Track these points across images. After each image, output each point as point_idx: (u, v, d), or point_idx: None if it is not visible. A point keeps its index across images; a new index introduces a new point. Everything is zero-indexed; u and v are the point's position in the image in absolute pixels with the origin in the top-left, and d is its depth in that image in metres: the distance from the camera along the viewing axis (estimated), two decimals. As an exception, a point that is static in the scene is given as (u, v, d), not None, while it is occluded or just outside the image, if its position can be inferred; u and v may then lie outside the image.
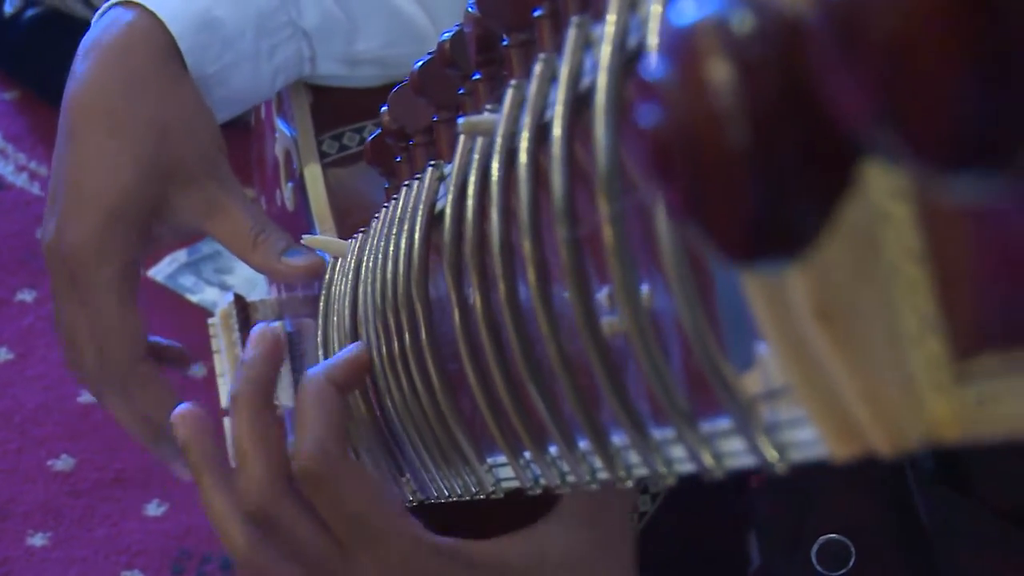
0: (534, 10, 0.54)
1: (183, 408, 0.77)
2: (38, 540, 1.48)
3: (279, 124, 1.13)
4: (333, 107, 1.08)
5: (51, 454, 1.56)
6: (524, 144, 0.46)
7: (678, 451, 0.41)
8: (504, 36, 0.57)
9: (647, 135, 0.24)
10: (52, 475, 1.54)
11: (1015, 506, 0.72)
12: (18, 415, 1.60)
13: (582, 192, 0.43)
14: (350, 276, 0.79)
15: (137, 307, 0.97)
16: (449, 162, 0.63)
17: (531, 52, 0.57)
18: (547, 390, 0.49)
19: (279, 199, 1.14)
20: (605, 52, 0.39)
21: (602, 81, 0.39)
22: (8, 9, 2.03)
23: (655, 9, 0.35)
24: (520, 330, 0.49)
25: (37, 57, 1.98)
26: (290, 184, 1.10)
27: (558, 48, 0.52)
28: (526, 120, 0.46)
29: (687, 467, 0.40)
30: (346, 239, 0.86)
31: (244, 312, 1.12)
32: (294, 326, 1.12)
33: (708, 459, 0.38)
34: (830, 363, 0.29)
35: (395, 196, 0.70)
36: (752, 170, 0.23)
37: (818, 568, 0.81)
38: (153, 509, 1.53)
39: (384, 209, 0.72)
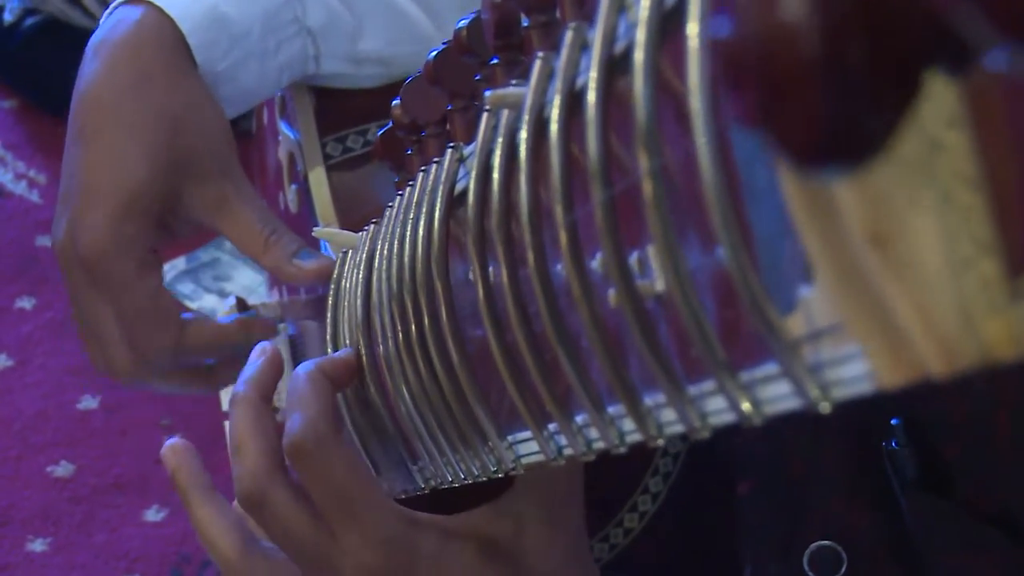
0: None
1: (171, 442, 0.84)
2: (38, 546, 1.48)
3: (282, 127, 1.13)
4: (336, 110, 1.08)
5: (50, 460, 1.56)
6: (555, 111, 0.47)
7: (714, 404, 0.41)
8: (525, 18, 0.58)
9: (720, 45, 0.25)
10: (52, 481, 1.54)
11: (998, 509, 0.73)
12: (18, 422, 1.60)
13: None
14: (362, 267, 0.79)
15: (166, 293, 0.97)
16: (468, 143, 0.64)
17: (552, 32, 0.58)
18: (577, 356, 0.49)
19: (282, 202, 1.15)
20: (644, 7, 0.40)
21: (640, 37, 0.40)
22: (8, 18, 2.03)
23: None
24: (549, 297, 0.49)
25: (36, 66, 1.98)
26: (294, 187, 1.11)
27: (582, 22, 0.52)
28: (557, 86, 0.47)
29: (724, 418, 0.41)
30: (356, 232, 0.86)
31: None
32: (296, 329, 1.13)
33: (747, 406, 0.39)
34: (884, 288, 0.29)
35: (411, 183, 0.71)
36: (823, 78, 0.23)
37: (810, 575, 0.81)
38: (152, 515, 1.53)
39: (398, 197, 0.73)
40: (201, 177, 0.96)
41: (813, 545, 0.81)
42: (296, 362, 1.13)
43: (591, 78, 0.43)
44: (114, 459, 1.56)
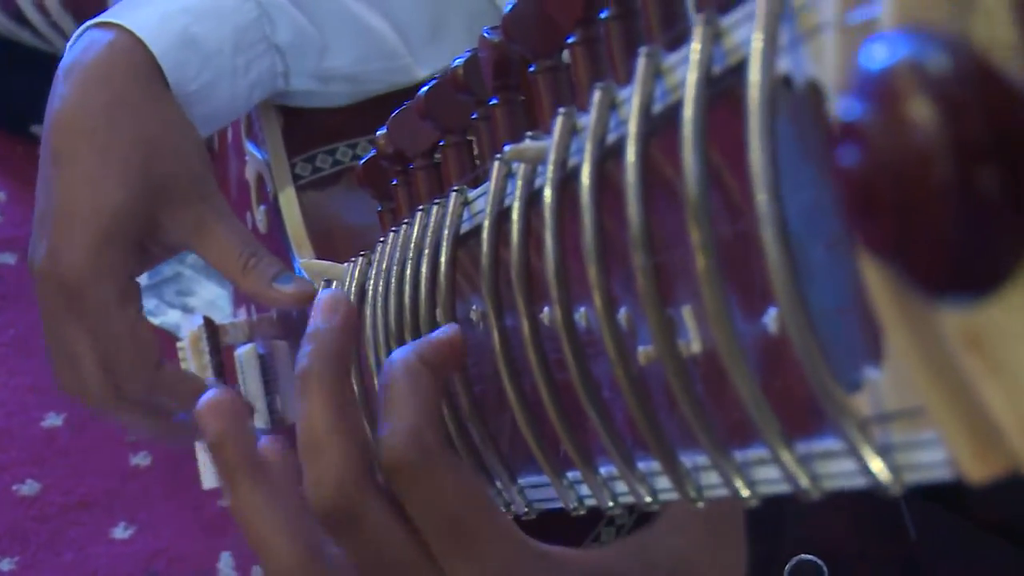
0: (567, 37, 0.54)
1: (214, 396, 0.63)
2: (5, 565, 1.46)
3: (250, 147, 1.12)
4: (304, 129, 1.08)
5: (16, 479, 1.54)
6: (587, 170, 0.46)
7: (764, 473, 0.41)
8: (531, 62, 0.57)
9: (848, 174, 0.24)
10: (18, 500, 1.52)
11: (1006, 519, 0.72)
12: (-19, 440, 1.58)
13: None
14: (351, 300, 0.78)
15: (145, 321, 0.96)
16: (472, 187, 0.63)
17: (559, 78, 0.57)
18: (604, 410, 0.49)
19: (250, 222, 1.14)
20: (691, 80, 0.39)
21: (689, 112, 0.39)
22: (-41, 37, 2.01)
23: (756, 43, 0.36)
24: (577, 351, 0.49)
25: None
26: (262, 207, 1.10)
27: (596, 76, 0.52)
28: (587, 147, 0.46)
29: (775, 488, 0.41)
30: (341, 263, 0.86)
31: (214, 335, 1.11)
32: (266, 347, 1.12)
33: (804, 480, 0.38)
34: (977, 385, 0.29)
35: (406, 220, 0.70)
36: (958, 206, 0.23)
37: None
38: (120, 532, 1.52)
39: (391, 233, 0.72)
40: (179, 200, 0.96)
41: (794, 559, 0.80)
42: (267, 382, 1.12)
43: (630, 149, 0.43)
44: (80, 477, 1.54)
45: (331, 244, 1.02)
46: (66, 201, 0.94)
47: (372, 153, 0.79)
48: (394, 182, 0.76)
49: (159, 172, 0.95)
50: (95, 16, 1.01)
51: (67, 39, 1.92)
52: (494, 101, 0.62)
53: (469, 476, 0.58)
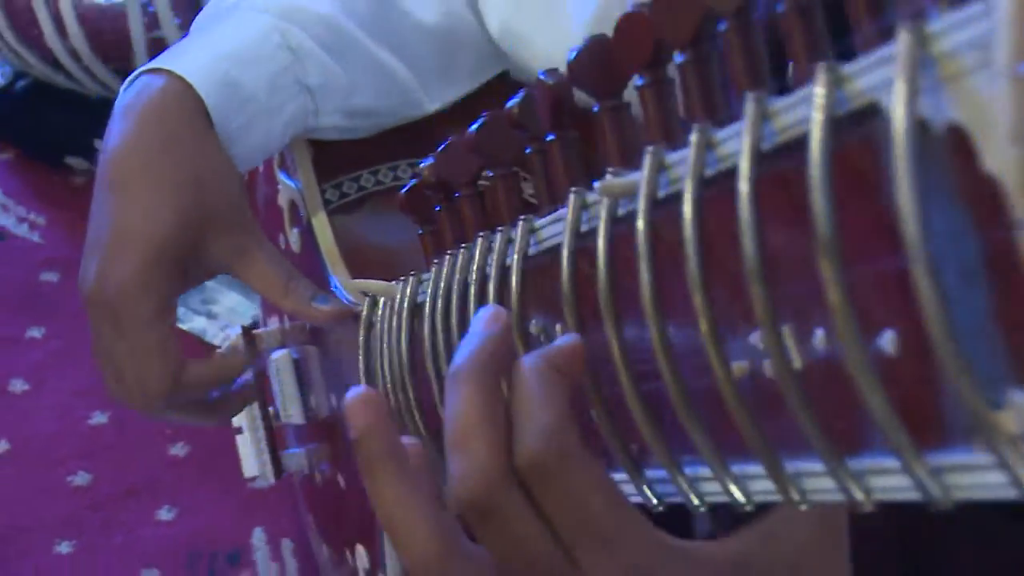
0: (630, 78, 0.52)
1: (360, 393, 0.57)
2: (64, 548, 1.43)
3: (282, 177, 1.10)
4: (331, 159, 1.06)
5: (69, 472, 1.51)
6: (689, 207, 0.44)
7: (882, 481, 0.39)
8: (596, 103, 0.55)
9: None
10: (72, 490, 1.49)
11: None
12: (37, 439, 1.55)
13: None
14: (404, 315, 0.76)
15: (174, 336, 0.94)
16: (538, 216, 0.60)
17: (622, 117, 0.55)
18: (702, 423, 0.46)
19: (283, 242, 1.12)
20: (817, 120, 0.37)
21: (816, 154, 0.37)
22: (1, 81, 1.98)
23: (900, 88, 0.33)
24: (676, 373, 0.46)
25: (30, 122, 1.93)
26: (296, 230, 1.08)
27: (664, 116, 0.50)
28: (688, 183, 0.44)
29: (899, 495, 0.38)
30: (373, 279, 0.84)
31: (251, 343, 1.09)
32: (299, 352, 1.09)
33: (936, 489, 0.36)
34: None
35: (464, 245, 0.67)
36: None
37: None
38: (164, 514, 1.49)
39: (449, 256, 0.69)
40: (223, 229, 0.94)
41: None
42: (301, 384, 1.09)
43: (743, 186, 0.40)
44: (126, 467, 1.52)
45: (362, 261, 1.00)
46: (119, 225, 0.92)
47: (413, 182, 0.76)
48: (437, 208, 0.73)
49: (206, 203, 0.93)
50: (123, 60, 0.99)
51: (97, 81, 1.90)
52: (551, 137, 0.60)
53: (602, 475, 0.52)
